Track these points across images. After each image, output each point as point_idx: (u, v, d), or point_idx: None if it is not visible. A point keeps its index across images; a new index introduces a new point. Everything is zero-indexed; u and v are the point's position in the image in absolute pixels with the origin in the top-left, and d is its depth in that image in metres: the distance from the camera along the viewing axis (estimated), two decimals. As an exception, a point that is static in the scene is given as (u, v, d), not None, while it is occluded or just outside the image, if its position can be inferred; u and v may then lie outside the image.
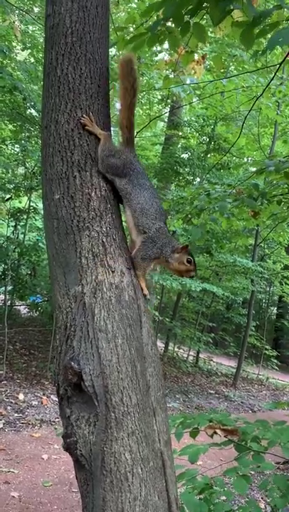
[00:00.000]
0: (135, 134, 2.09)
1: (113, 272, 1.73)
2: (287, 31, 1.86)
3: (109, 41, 2.11)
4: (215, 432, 3.11)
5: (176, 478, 1.80)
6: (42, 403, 8.21)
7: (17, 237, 15.03)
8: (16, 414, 7.67)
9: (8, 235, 13.61)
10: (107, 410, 1.55)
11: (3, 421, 7.23)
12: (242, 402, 12.40)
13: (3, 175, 12.53)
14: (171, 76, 6.47)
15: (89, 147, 1.86)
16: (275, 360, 17.14)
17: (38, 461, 6.09)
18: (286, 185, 4.68)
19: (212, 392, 12.57)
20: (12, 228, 15.55)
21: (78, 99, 1.87)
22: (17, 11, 12.42)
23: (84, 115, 1.87)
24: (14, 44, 12.40)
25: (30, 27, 13.13)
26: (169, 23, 2.68)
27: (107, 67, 2.00)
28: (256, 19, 2.07)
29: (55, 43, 1.90)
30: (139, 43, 2.72)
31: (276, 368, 17.30)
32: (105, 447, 1.53)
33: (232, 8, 2.16)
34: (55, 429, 7.20)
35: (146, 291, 1.87)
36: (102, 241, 1.76)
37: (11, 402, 8.08)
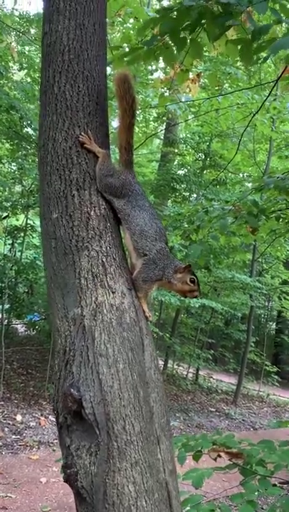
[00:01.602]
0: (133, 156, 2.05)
1: (114, 292, 1.66)
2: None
3: (106, 59, 2.09)
4: (219, 455, 3.02)
5: (181, 509, 1.71)
6: (40, 424, 8.06)
7: (14, 255, 14.98)
8: (13, 436, 7.53)
9: (5, 253, 13.57)
10: (108, 439, 1.47)
11: (0, 443, 7.08)
12: (243, 420, 12.22)
13: (0, 193, 12.54)
14: (167, 94, 6.51)
15: (87, 165, 1.82)
16: (276, 376, 16.96)
17: (36, 485, 5.96)
18: (285, 201, 4.66)
19: (212, 410, 12.39)
20: (9, 246, 15.52)
21: (76, 117, 1.83)
22: (14, 33, 12.62)
23: (82, 133, 1.83)
24: (11, 64, 12.55)
25: (27, 48, 13.31)
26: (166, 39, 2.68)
27: (105, 85, 1.97)
28: (256, 34, 2.05)
29: (52, 60, 1.88)
30: (135, 57, 2.71)
31: (277, 384, 17.10)
32: (107, 479, 1.45)
33: (231, 24, 2.15)
34: (54, 450, 7.04)
35: (148, 313, 1.80)
36: (102, 261, 1.70)
37: (9, 424, 7.94)
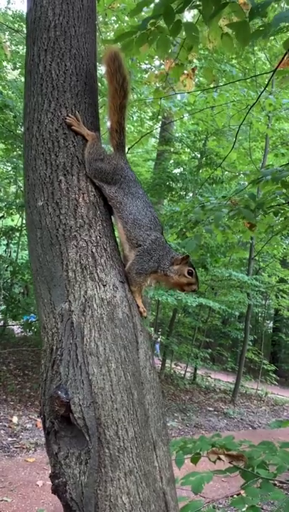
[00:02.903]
0: (127, 150, 1.91)
1: (104, 286, 1.52)
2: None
3: (96, 39, 1.96)
4: (219, 458, 2.89)
5: (181, 520, 1.58)
6: (36, 426, 7.95)
7: (9, 256, 14.87)
8: (9, 439, 7.43)
9: (0, 253, 13.45)
10: (100, 446, 1.33)
11: (-4, 445, 6.98)
12: (242, 419, 12.13)
13: (-5, 193, 12.47)
14: (161, 89, 6.39)
15: (75, 149, 1.68)
16: (274, 375, 16.92)
17: (33, 488, 5.86)
18: (283, 195, 4.54)
19: (211, 409, 12.29)
20: (4, 247, 15.40)
21: (63, 98, 1.70)
22: (7, 31, 12.51)
23: (69, 114, 1.69)
24: (4, 64, 12.47)
25: (21, 47, 13.18)
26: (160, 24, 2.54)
27: (94, 64, 1.84)
28: (254, 10, 1.92)
29: (37, 38, 1.74)
30: (128, 43, 2.57)
31: (275, 382, 17.05)
32: (99, 489, 1.31)
33: (227, 1, 2.02)
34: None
35: (142, 308, 1.66)
36: (92, 251, 1.55)
37: (5, 426, 7.84)
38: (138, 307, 1.64)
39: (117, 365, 1.40)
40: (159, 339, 16.76)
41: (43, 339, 1.53)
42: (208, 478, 2.60)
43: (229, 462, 2.83)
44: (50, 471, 1.43)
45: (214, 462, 2.89)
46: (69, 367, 1.38)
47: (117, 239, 1.78)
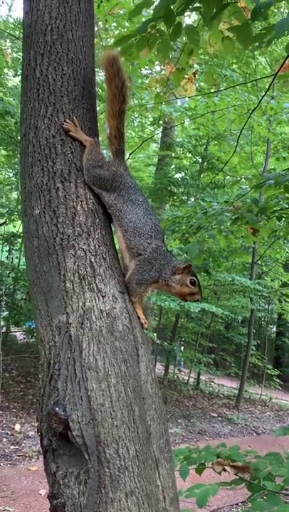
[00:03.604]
0: (128, 155, 1.86)
1: (103, 296, 1.46)
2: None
3: (94, 43, 1.91)
4: (224, 469, 2.82)
5: None
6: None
7: (11, 262, 14.85)
8: (12, 447, 7.37)
9: (2, 259, 13.45)
10: (100, 465, 1.27)
11: (-2, 454, 6.93)
12: (246, 425, 12.03)
13: (-3, 200, 12.53)
14: (162, 94, 6.37)
15: (73, 155, 1.63)
16: (278, 380, 16.80)
17: (35, 497, 5.80)
18: (287, 200, 4.49)
19: (215, 415, 12.18)
20: (6, 253, 15.40)
21: (60, 103, 1.65)
22: (8, 39, 12.57)
23: (67, 120, 1.65)
24: (5, 70, 12.53)
25: (22, 54, 13.21)
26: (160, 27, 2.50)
27: (92, 68, 1.79)
28: (257, 11, 1.87)
29: (34, 42, 1.70)
30: (127, 47, 2.52)
31: (279, 387, 16.93)
32: (99, 511, 1.25)
33: (228, 1, 1.97)
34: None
35: (143, 319, 1.60)
36: (90, 261, 1.50)
37: (7, 434, 7.79)
38: (139, 318, 1.59)
39: (117, 380, 1.34)
40: (182, 347, 16.67)
41: (40, 352, 1.47)
42: (213, 490, 2.54)
43: (235, 474, 2.76)
44: (48, 491, 1.37)
45: (219, 473, 2.83)
46: (67, 382, 1.32)
47: (117, 248, 1.73)
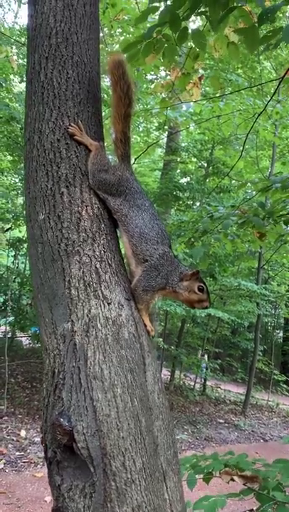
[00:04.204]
0: (133, 160, 1.83)
1: (109, 304, 1.43)
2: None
3: (99, 46, 1.89)
4: (232, 479, 2.77)
5: None
6: (44, 439, 7.83)
7: (17, 267, 14.88)
8: (17, 453, 7.33)
9: (8, 264, 13.47)
10: (105, 478, 1.23)
11: (3, 460, 6.91)
12: (253, 431, 11.90)
13: (3, 205, 12.58)
14: (168, 99, 6.37)
15: (78, 159, 1.61)
16: (285, 385, 16.66)
17: (41, 505, 5.76)
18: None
19: (221, 421, 12.08)
20: (12, 258, 15.44)
21: (65, 106, 1.63)
22: (14, 45, 12.67)
23: (72, 123, 1.62)
24: (11, 77, 12.63)
25: (26, 60, 13.30)
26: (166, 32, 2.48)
27: (97, 72, 1.77)
28: (263, 15, 1.84)
29: (38, 45, 1.68)
30: (134, 53, 2.50)
31: (286, 393, 16.78)
32: (105, 526, 1.21)
33: (235, 5, 1.95)
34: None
35: (150, 327, 1.56)
36: (96, 267, 1.47)
37: (13, 440, 7.75)
38: (145, 326, 1.55)
39: (123, 389, 1.30)
40: (205, 356, 16.56)
41: (44, 361, 1.44)
42: (221, 503, 2.48)
43: (243, 484, 2.71)
44: (52, 504, 1.33)
45: (228, 483, 2.77)
46: (72, 392, 1.28)
47: (123, 253, 1.69)
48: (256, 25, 2.18)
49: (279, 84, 5.13)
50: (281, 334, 23.53)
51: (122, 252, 1.70)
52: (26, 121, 1.69)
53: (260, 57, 12.06)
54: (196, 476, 2.91)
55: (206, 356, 16.36)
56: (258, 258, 12.95)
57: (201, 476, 2.92)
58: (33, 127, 1.63)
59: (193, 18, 2.88)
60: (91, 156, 1.64)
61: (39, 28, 1.69)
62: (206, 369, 15.06)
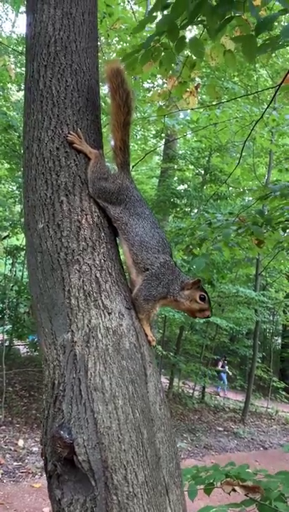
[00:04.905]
0: (131, 168, 1.82)
1: (110, 313, 1.41)
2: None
3: (98, 54, 1.89)
4: (233, 490, 2.73)
5: None
6: (42, 449, 7.75)
7: (14, 275, 14.84)
8: (15, 463, 7.25)
9: (5, 273, 13.44)
10: (107, 492, 1.20)
11: (1, 471, 6.84)
12: (252, 439, 11.83)
13: (0, 213, 12.59)
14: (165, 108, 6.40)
15: (78, 168, 1.59)
16: (284, 392, 16.59)
17: (39, 516, 5.67)
18: (292, 211, 4.44)
19: (220, 429, 12.00)
20: (9, 266, 15.40)
21: (64, 114, 1.62)
22: (12, 54, 12.73)
23: (71, 131, 1.61)
24: (9, 86, 12.69)
25: (25, 68, 13.36)
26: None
27: (96, 80, 1.76)
28: (260, 25, 1.85)
29: (37, 53, 1.68)
30: (132, 61, 2.50)
31: (285, 400, 16.70)
32: None
33: (232, 15, 1.95)
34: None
35: (151, 337, 1.54)
36: (96, 276, 1.45)
37: (10, 450, 7.67)
38: (146, 336, 1.53)
39: (124, 401, 1.28)
40: (226, 367, 16.46)
41: (44, 372, 1.41)
42: (222, 513, 2.44)
43: (245, 494, 2.67)
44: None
45: (229, 493, 2.74)
46: (72, 404, 1.26)
47: (123, 262, 1.68)
48: (254, 34, 2.19)
49: (276, 92, 5.15)
50: (279, 341, 23.49)
51: (123, 260, 1.69)
52: (25, 129, 1.68)
53: (257, 65, 12.15)
54: (197, 487, 2.88)
55: (226, 367, 16.21)
56: (255, 265, 12.95)
57: (202, 486, 2.89)
58: (31, 135, 1.62)
59: (189, 27, 2.90)
60: (90, 164, 1.63)
61: (38, 37, 1.69)
62: (227, 381, 14.93)
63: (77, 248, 1.47)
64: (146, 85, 13.13)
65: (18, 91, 13.43)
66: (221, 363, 17.13)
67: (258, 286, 13.40)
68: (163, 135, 13.28)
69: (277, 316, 18.11)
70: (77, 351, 1.34)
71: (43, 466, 1.36)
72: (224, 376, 16.76)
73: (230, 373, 16.43)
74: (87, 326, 1.37)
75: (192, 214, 13.77)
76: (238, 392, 17.37)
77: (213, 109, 7.80)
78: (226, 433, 11.76)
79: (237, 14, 2.01)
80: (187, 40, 2.60)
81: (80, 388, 1.27)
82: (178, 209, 13.89)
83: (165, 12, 2.41)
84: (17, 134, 9.76)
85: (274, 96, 5.43)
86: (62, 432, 1.24)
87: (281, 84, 4.06)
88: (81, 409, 1.25)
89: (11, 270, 15.97)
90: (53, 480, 1.29)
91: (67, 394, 1.28)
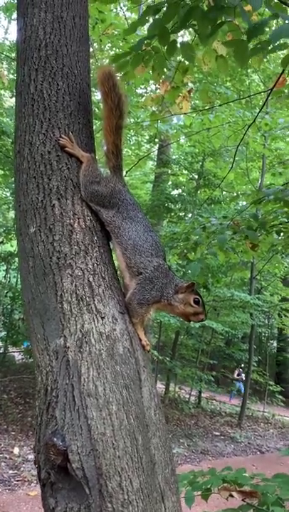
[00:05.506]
0: (125, 173, 1.81)
1: (103, 318, 1.39)
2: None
3: (89, 56, 1.88)
4: (231, 495, 2.71)
5: None
6: (37, 457, 7.68)
7: (9, 281, 14.79)
8: (10, 471, 7.18)
9: (-1, 279, 13.39)
10: (101, 500, 1.18)
11: (-4, 479, 6.74)
12: (249, 443, 11.80)
13: (-6, 219, 12.57)
14: (158, 112, 6.41)
15: (69, 171, 1.58)
16: (280, 396, 16.57)
17: (35, 525, 5.62)
18: (285, 214, 4.46)
19: (217, 433, 11.95)
20: (3, 272, 15.34)
21: (55, 118, 1.61)
22: (4, 60, 12.74)
23: (63, 135, 1.60)
24: (2, 92, 12.69)
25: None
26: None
27: (88, 83, 1.76)
28: (252, 31, 1.85)
29: (28, 57, 1.67)
30: (123, 64, 2.50)
31: (281, 404, 16.69)
32: None
33: (223, 20, 1.96)
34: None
35: (145, 341, 1.52)
36: (88, 280, 1.43)
37: (6, 458, 7.59)
38: (140, 340, 1.51)
39: (118, 407, 1.26)
40: (242, 375, 16.34)
41: (37, 378, 1.39)
42: (219, 518, 2.42)
43: (242, 499, 2.65)
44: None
45: (226, 499, 2.72)
46: (65, 410, 1.24)
47: (116, 266, 1.66)
48: (245, 39, 2.20)
49: (268, 96, 5.19)
50: (275, 344, 23.49)
51: (116, 264, 1.67)
52: (16, 133, 1.66)
53: (249, 71, 12.24)
54: (194, 493, 2.86)
55: (243, 375, 16.04)
56: (250, 268, 12.98)
57: (199, 492, 2.86)
58: (23, 139, 1.61)
59: (181, 32, 2.90)
60: (83, 167, 1.62)
61: (28, 40, 1.68)
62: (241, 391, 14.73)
63: (70, 252, 1.46)
64: (139, 91, 13.18)
65: (10, 97, 13.44)
66: (237, 371, 17.11)
67: (252, 289, 13.42)
68: (156, 140, 13.32)
69: (272, 320, 18.13)
70: (70, 357, 1.32)
71: (37, 475, 1.33)
72: (241, 385, 16.68)
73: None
74: (80, 331, 1.35)
75: (186, 218, 13.80)
76: (234, 397, 17.35)
77: (206, 113, 7.83)
78: (222, 438, 11.72)
79: (228, 20, 2.01)
80: (178, 45, 2.61)
81: (74, 394, 1.25)
82: (172, 214, 13.92)
83: (156, 16, 2.41)
84: (10, 140, 9.76)
85: (266, 100, 5.47)
86: (55, 439, 1.22)
87: (273, 88, 4.09)
88: (74, 415, 1.23)
89: (5, 276, 15.91)
90: (47, 488, 1.27)
91: (60, 400, 1.26)
